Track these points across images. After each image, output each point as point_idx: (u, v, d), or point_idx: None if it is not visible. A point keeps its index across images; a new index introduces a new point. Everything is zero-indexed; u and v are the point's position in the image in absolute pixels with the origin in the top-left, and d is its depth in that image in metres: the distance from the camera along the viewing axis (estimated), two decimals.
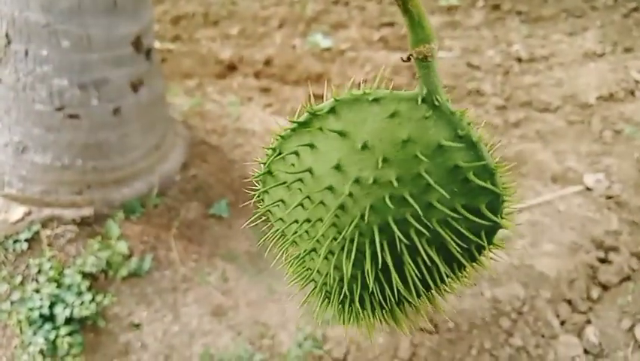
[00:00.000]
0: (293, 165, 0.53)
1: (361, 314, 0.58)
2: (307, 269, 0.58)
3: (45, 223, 2.37)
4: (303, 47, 4.16)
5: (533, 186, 2.84)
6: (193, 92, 3.61)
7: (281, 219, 0.57)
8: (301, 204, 0.53)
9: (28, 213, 2.36)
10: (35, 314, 2.07)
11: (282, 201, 0.56)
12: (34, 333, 2.05)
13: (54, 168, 2.34)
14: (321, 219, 0.52)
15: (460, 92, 3.63)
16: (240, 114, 3.33)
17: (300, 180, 0.52)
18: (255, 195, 0.59)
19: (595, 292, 2.30)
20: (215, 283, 2.37)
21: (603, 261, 2.42)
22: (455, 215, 0.48)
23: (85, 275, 2.23)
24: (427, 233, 0.49)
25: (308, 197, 0.52)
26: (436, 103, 0.48)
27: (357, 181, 0.49)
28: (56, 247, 2.32)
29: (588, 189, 2.81)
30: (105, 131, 2.35)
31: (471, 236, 0.50)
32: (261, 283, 2.38)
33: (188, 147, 2.89)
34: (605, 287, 2.32)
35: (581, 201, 2.73)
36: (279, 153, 0.55)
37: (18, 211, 2.37)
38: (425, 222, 0.49)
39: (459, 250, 0.50)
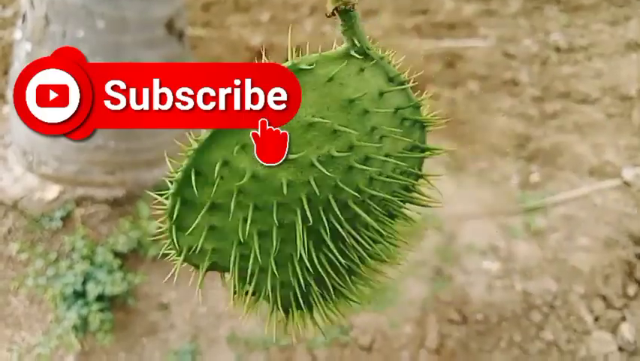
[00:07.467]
0: (222, 177, 0.45)
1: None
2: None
3: (79, 202, 2.42)
4: (334, 35, 4.12)
5: (569, 179, 2.76)
6: None
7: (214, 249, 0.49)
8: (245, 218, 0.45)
9: (63, 192, 2.42)
10: (69, 290, 2.12)
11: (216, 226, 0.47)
12: (68, 308, 2.10)
13: (88, 149, 2.38)
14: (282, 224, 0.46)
15: (494, 82, 3.54)
16: None
17: (240, 191, 0.44)
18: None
19: (631, 289, 2.22)
20: None
21: None
22: (404, 154, 0.49)
23: (116, 254, 2.27)
24: (379, 189, 0.48)
25: (255, 205, 0.44)
26: (367, 51, 0.47)
27: (319, 162, 0.43)
28: (89, 225, 2.37)
29: (626, 183, 2.72)
30: None
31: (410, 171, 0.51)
32: None
33: None
34: None
35: (618, 196, 2.63)
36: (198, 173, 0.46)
37: (53, 190, 2.43)
38: (381, 178, 0.47)
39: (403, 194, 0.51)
